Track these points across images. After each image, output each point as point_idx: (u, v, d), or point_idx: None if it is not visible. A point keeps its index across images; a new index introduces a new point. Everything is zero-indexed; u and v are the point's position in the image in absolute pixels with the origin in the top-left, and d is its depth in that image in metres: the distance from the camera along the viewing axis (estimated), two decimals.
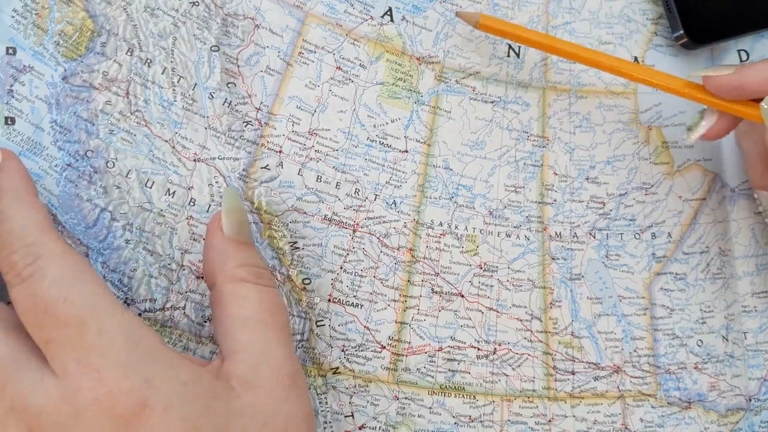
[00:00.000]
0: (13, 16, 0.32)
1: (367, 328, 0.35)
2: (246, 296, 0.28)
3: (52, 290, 0.25)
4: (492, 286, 0.36)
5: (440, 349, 0.35)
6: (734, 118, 0.33)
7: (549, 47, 0.34)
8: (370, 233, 0.35)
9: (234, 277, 0.29)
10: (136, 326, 0.26)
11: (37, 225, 0.26)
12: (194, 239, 0.33)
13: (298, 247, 0.34)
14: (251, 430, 0.26)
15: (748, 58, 0.39)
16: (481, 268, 0.36)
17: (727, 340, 0.37)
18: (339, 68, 0.36)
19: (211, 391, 0.26)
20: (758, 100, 0.31)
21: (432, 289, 0.36)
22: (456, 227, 0.36)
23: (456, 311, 0.36)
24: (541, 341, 0.36)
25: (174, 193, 0.33)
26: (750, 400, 0.37)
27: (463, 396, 0.35)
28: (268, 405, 0.27)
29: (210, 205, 0.33)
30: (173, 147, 0.33)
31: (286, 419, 0.27)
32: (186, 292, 0.32)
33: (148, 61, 0.33)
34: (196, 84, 0.34)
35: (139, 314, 0.32)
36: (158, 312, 0.32)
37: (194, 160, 0.33)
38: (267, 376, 0.27)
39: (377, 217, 0.35)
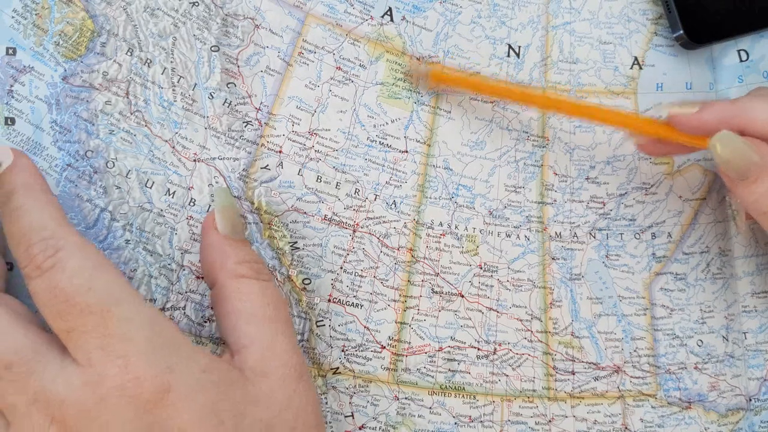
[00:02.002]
0: (13, 17, 0.32)
1: (367, 329, 0.35)
2: (249, 292, 0.29)
3: (75, 280, 0.25)
4: (492, 286, 0.36)
5: (440, 349, 0.35)
6: (683, 147, 0.34)
7: (501, 93, 0.35)
8: (370, 233, 0.35)
9: (235, 273, 0.29)
10: (156, 315, 0.26)
11: (54, 218, 0.27)
12: (194, 239, 0.33)
13: (298, 248, 0.34)
14: (266, 418, 0.27)
15: (747, 58, 0.39)
16: (481, 268, 0.36)
17: (727, 340, 0.37)
18: (339, 68, 0.36)
19: (228, 379, 0.26)
20: None
21: (432, 289, 0.36)
22: (456, 227, 0.36)
23: (456, 311, 0.36)
24: (541, 341, 0.36)
25: (174, 193, 0.33)
26: (750, 400, 0.37)
27: (463, 396, 0.35)
28: (280, 395, 0.27)
29: (210, 206, 0.33)
30: (173, 147, 0.33)
31: (297, 409, 0.28)
32: (186, 292, 0.32)
33: (148, 61, 0.33)
34: (196, 84, 0.34)
35: None
36: None
37: (194, 161, 0.33)
38: (276, 368, 0.28)
39: (377, 218, 0.35)
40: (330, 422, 0.34)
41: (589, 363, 0.36)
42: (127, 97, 0.33)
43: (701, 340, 0.37)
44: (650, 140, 0.34)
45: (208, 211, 0.33)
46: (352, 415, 0.34)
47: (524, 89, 0.35)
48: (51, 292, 0.25)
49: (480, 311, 0.36)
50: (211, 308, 0.33)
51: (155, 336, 0.25)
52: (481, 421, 0.35)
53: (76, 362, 0.25)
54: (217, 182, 0.33)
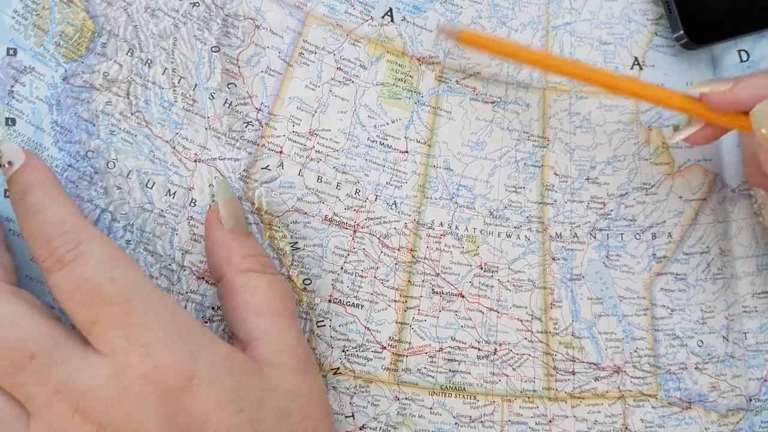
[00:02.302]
0: (13, 17, 0.32)
1: (368, 329, 0.35)
2: (255, 286, 0.29)
3: (98, 271, 0.25)
4: (492, 286, 0.36)
5: (441, 350, 0.35)
6: (723, 128, 0.33)
7: (533, 61, 0.35)
8: (370, 234, 0.35)
9: (242, 268, 0.29)
10: (175, 305, 0.27)
11: (72, 213, 0.27)
12: (195, 240, 0.33)
13: (299, 248, 0.34)
14: (282, 406, 0.27)
15: (748, 59, 0.39)
16: (481, 268, 0.36)
17: (727, 340, 0.37)
18: (339, 69, 0.36)
19: (245, 368, 0.27)
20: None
21: (432, 290, 0.36)
22: (456, 228, 0.36)
23: (456, 311, 0.36)
24: (542, 341, 0.36)
25: (174, 193, 0.33)
26: (750, 400, 0.37)
27: (463, 396, 0.35)
28: (292, 385, 0.28)
29: (210, 206, 0.33)
30: (174, 148, 0.33)
31: (308, 398, 0.28)
32: (186, 292, 0.32)
33: (149, 61, 0.33)
34: (196, 85, 0.34)
35: None
36: None
37: (195, 161, 0.33)
38: (286, 359, 0.28)
39: (378, 218, 0.35)
40: None
41: (590, 363, 0.36)
42: (128, 98, 0.33)
43: (702, 341, 0.37)
44: (700, 131, 0.33)
45: (207, 211, 0.33)
46: (353, 416, 0.34)
47: (552, 57, 0.34)
48: (74, 284, 0.25)
49: (480, 311, 0.36)
50: (212, 309, 0.33)
51: (176, 325, 0.26)
52: (482, 422, 0.35)
53: (98, 353, 0.25)
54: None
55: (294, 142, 0.35)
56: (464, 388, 0.35)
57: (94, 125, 0.32)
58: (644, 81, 0.33)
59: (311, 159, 0.35)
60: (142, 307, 0.25)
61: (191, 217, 0.33)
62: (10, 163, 0.28)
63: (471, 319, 0.36)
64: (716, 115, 0.32)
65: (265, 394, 0.27)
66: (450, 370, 0.35)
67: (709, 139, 0.34)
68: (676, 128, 0.34)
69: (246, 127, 0.34)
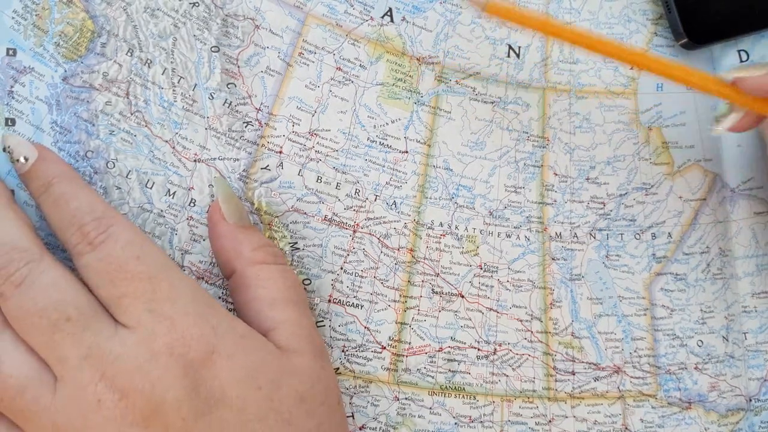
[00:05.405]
0: (13, 17, 0.32)
1: (368, 329, 0.35)
2: (269, 278, 0.30)
3: (126, 250, 0.27)
4: (492, 286, 0.36)
5: (440, 350, 0.35)
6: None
7: (560, 34, 0.33)
8: (370, 234, 0.35)
9: (253, 260, 0.30)
10: (196, 284, 0.28)
11: (100, 201, 0.28)
12: (194, 240, 0.33)
13: (299, 248, 0.34)
14: (300, 390, 0.28)
15: (748, 59, 0.39)
16: (481, 268, 0.36)
17: (727, 340, 0.37)
18: (339, 69, 0.36)
19: (265, 349, 0.28)
20: None
21: (432, 290, 0.36)
22: (456, 228, 0.36)
23: (456, 311, 0.36)
24: (542, 342, 0.36)
25: (174, 193, 0.33)
26: (750, 400, 0.37)
27: (463, 396, 0.35)
28: (311, 370, 0.29)
29: (211, 204, 0.33)
30: (173, 147, 0.33)
31: (325, 384, 0.29)
32: None
33: (149, 61, 0.33)
34: (196, 84, 0.34)
35: None
36: None
37: (194, 161, 0.33)
38: (304, 346, 0.29)
39: (377, 218, 0.35)
40: None
41: (589, 363, 0.36)
42: (128, 98, 0.33)
43: (701, 341, 0.37)
44: (745, 118, 0.33)
45: (208, 211, 0.33)
46: (353, 416, 0.34)
47: (578, 31, 0.33)
48: (104, 261, 0.26)
49: (480, 311, 0.36)
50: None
51: (198, 301, 0.27)
52: (481, 422, 0.35)
53: (125, 327, 0.26)
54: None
55: (294, 142, 0.35)
56: (464, 388, 0.35)
57: (93, 125, 0.32)
58: (677, 62, 0.33)
59: (311, 159, 0.35)
60: (166, 283, 0.27)
61: (191, 217, 0.33)
62: (25, 158, 0.29)
63: (471, 319, 0.36)
64: (752, 100, 0.32)
65: (284, 376, 0.28)
66: (450, 370, 0.35)
67: (753, 124, 0.34)
68: (717, 119, 0.34)
69: (246, 127, 0.34)
